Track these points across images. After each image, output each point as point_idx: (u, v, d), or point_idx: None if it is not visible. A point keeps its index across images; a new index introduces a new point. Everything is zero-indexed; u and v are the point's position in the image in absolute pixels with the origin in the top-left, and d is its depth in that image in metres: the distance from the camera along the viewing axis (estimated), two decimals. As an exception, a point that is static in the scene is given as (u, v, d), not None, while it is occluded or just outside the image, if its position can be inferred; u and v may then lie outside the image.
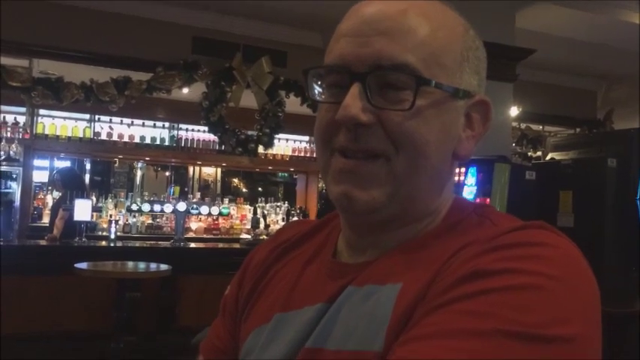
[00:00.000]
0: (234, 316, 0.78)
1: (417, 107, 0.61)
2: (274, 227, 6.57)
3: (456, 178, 3.48)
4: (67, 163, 7.50)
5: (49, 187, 6.42)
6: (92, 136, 6.29)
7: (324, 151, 0.66)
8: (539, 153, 6.49)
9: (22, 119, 6.00)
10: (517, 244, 0.56)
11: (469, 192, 3.39)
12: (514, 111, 5.21)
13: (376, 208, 0.63)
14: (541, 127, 6.72)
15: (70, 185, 5.11)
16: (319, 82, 0.67)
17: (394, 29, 0.62)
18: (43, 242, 4.86)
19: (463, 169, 3.46)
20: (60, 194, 5.09)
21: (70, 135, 6.15)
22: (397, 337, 0.55)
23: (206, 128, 5.45)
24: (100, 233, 5.96)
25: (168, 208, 6.01)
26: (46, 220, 6.41)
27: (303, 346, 0.63)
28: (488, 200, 3.22)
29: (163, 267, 3.89)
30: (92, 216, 5.36)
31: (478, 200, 3.26)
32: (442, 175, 0.67)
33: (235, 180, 9.24)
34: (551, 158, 3.83)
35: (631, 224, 3.26)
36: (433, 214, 0.68)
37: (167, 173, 7.98)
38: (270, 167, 7.29)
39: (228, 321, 0.79)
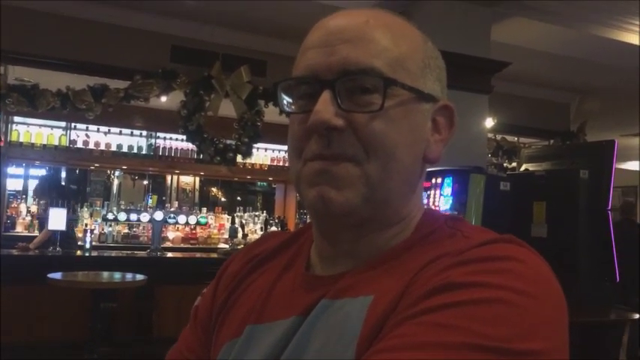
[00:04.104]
0: (207, 327, 0.77)
1: (385, 109, 0.63)
2: (252, 237, 6.55)
3: (433, 191, 3.52)
4: (43, 171, 7.42)
5: (34, 197, 6.32)
6: (68, 144, 6.22)
7: (297, 163, 0.67)
8: (514, 164, 6.58)
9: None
10: (487, 257, 0.57)
11: (445, 202, 3.43)
12: (489, 122, 5.29)
13: (351, 210, 0.64)
14: (516, 138, 6.82)
15: (49, 193, 5.08)
16: (289, 95, 0.69)
17: (358, 37, 0.64)
18: (15, 252, 4.79)
19: (440, 180, 3.50)
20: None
21: (45, 143, 6.08)
22: (367, 349, 0.55)
23: (184, 137, 5.42)
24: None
25: (145, 217, 5.95)
26: (19, 229, 6.31)
27: None
28: (464, 210, 3.26)
29: (139, 277, 3.86)
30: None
31: (455, 210, 3.30)
32: (413, 178, 0.68)
33: (214, 189, 9.20)
34: (526, 169, 3.88)
35: (603, 234, 3.32)
36: (404, 221, 0.69)
37: (145, 182, 7.91)
38: (248, 177, 7.29)
39: (201, 333, 0.78)
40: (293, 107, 0.68)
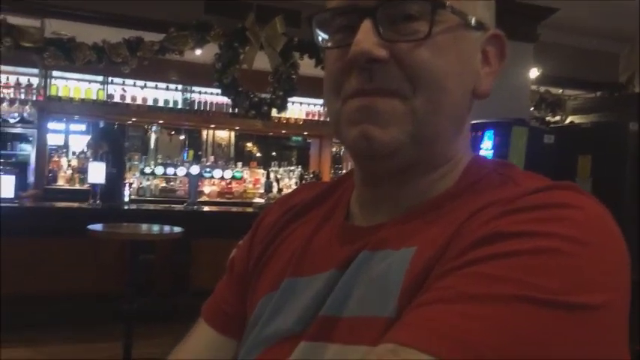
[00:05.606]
0: (244, 279, 0.75)
1: (433, 36, 0.57)
2: (287, 191, 6.57)
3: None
4: (82, 126, 7.55)
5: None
6: (105, 99, 6.28)
7: (336, 101, 0.62)
8: (557, 118, 6.36)
9: (35, 81, 5.99)
10: (541, 205, 0.51)
11: (485, 156, 3.34)
12: (533, 73, 5.08)
13: (397, 149, 0.59)
14: (560, 90, 6.57)
15: (113, 144, 5.20)
16: (324, 30, 0.63)
17: None
18: (58, 205, 4.91)
19: (480, 133, 3.40)
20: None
21: (83, 97, 6.15)
22: (410, 302, 0.51)
23: (219, 91, 5.40)
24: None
25: (181, 171, 6.01)
26: (61, 182, 6.47)
27: (317, 314, 0.61)
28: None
29: (176, 229, 3.90)
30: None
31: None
32: (462, 114, 0.63)
33: (249, 144, 9.23)
34: (571, 122, 3.74)
35: (652, 190, 3.19)
36: (450, 163, 0.64)
37: (181, 137, 7.98)
38: (283, 131, 7.25)
39: (237, 285, 0.76)
40: (329, 44, 0.63)
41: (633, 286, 0.49)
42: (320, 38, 0.64)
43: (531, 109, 5.95)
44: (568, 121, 3.81)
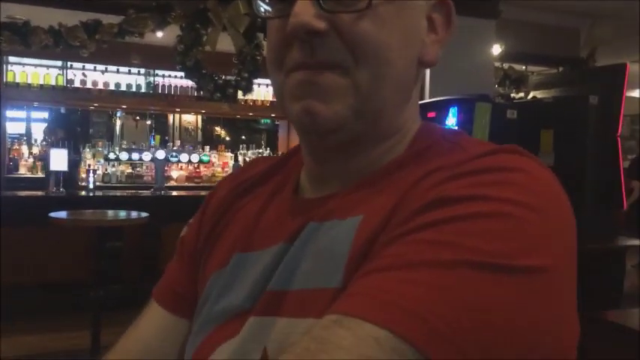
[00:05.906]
0: (194, 258, 0.73)
1: (374, 7, 0.55)
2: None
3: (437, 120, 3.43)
4: (44, 114, 7.36)
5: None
6: (65, 84, 6.11)
7: (278, 75, 0.59)
8: (521, 94, 6.43)
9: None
10: (486, 169, 0.51)
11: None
12: (496, 49, 5.12)
13: (341, 124, 0.57)
14: (524, 66, 6.63)
15: (68, 130, 5.06)
16: (265, 2, 0.61)
17: None
18: (20, 193, 4.80)
19: (444, 110, 3.41)
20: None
21: (42, 83, 5.98)
22: (357, 272, 0.50)
23: (183, 74, 5.30)
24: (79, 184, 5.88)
25: (147, 156, 5.91)
26: (22, 170, 6.32)
27: (265, 289, 0.60)
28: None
29: (143, 215, 3.85)
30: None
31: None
32: (408, 85, 0.61)
33: (217, 128, 9.13)
34: (533, 97, 3.78)
35: (611, 161, 3.26)
36: (399, 133, 0.62)
37: (148, 122, 7.84)
38: (250, 113, 7.19)
39: (188, 264, 0.74)
40: (270, 14, 0.60)
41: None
42: (261, 9, 0.61)
43: (496, 86, 6.01)
44: (531, 95, 3.85)
